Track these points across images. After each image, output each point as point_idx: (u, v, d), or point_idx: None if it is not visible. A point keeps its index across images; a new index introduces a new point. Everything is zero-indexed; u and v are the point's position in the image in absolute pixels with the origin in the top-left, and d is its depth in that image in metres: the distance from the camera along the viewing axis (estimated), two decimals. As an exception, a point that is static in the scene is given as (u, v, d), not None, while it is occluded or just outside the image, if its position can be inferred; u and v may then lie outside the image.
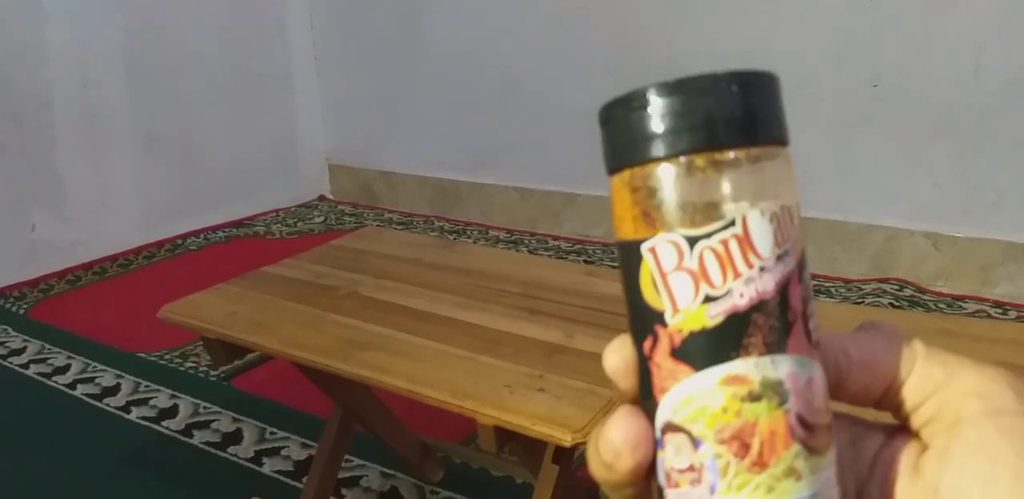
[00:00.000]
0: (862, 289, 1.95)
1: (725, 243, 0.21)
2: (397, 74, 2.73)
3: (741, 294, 0.21)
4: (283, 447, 1.47)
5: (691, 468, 0.22)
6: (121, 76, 2.45)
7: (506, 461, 1.33)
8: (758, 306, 0.21)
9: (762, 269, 0.21)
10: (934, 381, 0.23)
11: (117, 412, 1.63)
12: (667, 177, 0.22)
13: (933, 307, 1.84)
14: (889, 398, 0.24)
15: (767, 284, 0.21)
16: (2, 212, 2.26)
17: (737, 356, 0.21)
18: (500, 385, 0.83)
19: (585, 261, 2.29)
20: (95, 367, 1.81)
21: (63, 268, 2.38)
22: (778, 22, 1.93)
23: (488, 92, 2.55)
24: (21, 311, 2.14)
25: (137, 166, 2.54)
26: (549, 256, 2.34)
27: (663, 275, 0.22)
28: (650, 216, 0.22)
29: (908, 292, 1.91)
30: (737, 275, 0.21)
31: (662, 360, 0.22)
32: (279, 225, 2.77)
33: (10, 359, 1.87)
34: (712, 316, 0.21)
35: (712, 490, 0.22)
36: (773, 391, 0.21)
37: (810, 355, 0.22)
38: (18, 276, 2.29)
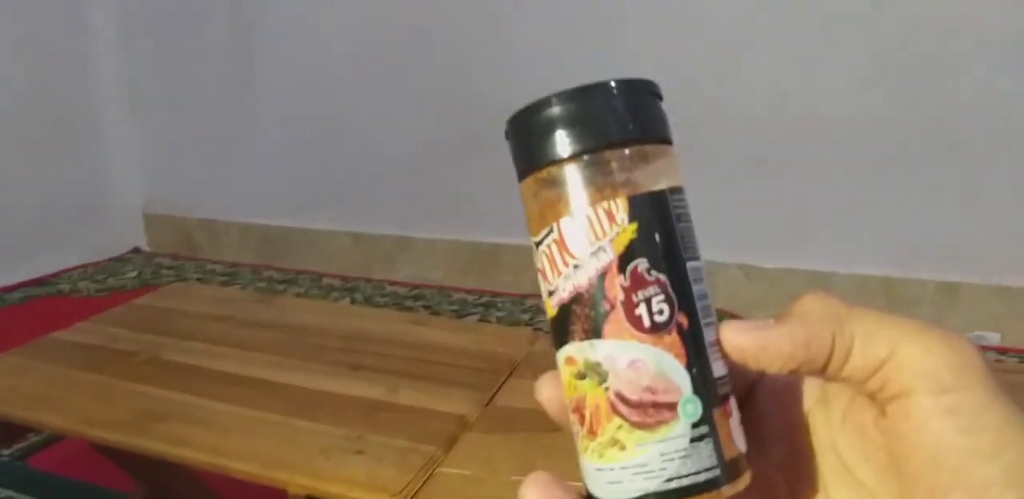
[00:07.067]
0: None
1: (550, 246, 0.25)
2: (219, 116, 2.60)
3: (564, 289, 0.25)
4: (87, 533, 1.31)
5: (574, 430, 0.26)
6: None
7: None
8: (576, 298, 0.25)
9: (576, 266, 0.25)
10: (876, 358, 0.23)
11: None
12: (524, 192, 0.27)
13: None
14: (832, 376, 0.24)
15: (580, 279, 0.25)
16: None
17: (569, 340, 0.25)
18: (315, 451, 0.78)
19: (423, 306, 2.25)
20: None
21: None
22: (601, 66, 2.02)
23: (316, 134, 2.48)
24: None
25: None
26: (386, 302, 2.29)
27: (537, 271, 0.27)
28: (530, 222, 0.27)
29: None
30: (558, 273, 0.25)
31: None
32: (87, 282, 2.54)
33: None
34: (553, 307, 0.26)
35: (578, 449, 0.26)
36: (593, 371, 0.24)
37: (638, 339, 0.24)
38: None
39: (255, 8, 2.45)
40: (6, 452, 1.59)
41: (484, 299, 2.26)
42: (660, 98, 0.27)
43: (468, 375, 0.94)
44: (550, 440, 0.78)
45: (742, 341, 0.25)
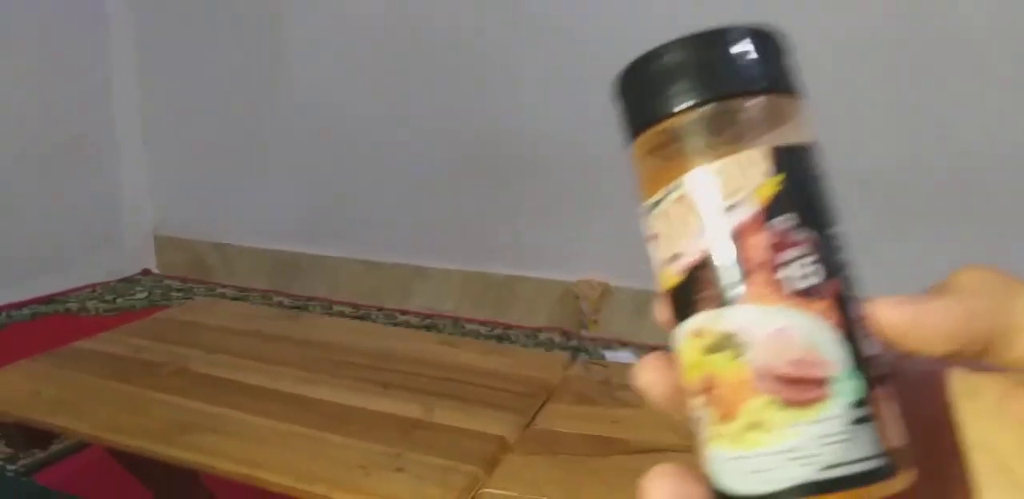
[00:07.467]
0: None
1: (673, 205, 0.22)
2: (234, 141, 2.61)
3: (691, 251, 0.22)
4: (88, 555, 1.26)
5: (695, 417, 0.22)
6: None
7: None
8: (706, 261, 0.22)
9: (707, 225, 0.22)
10: None
11: None
12: (637, 152, 0.24)
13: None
14: (996, 359, 0.21)
15: (713, 239, 0.22)
16: None
17: (696, 310, 0.22)
18: (354, 466, 0.75)
19: (434, 336, 2.22)
20: None
21: None
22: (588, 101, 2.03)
23: (330, 160, 2.48)
24: None
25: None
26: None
27: (648, 239, 0.23)
28: (643, 186, 0.24)
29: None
30: (684, 234, 0.22)
31: (665, 315, 0.23)
32: (95, 301, 2.51)
33: None
34: (675, 274, 0.22)
35: (703, 438, 0.22)
36: (730, 343, 0.21)
37: (785, 304, 0.21)
38: None
39: (269, 34, 2.48)
40: (11, 467, 1.54)
41: (497, 331, 2.23)
42: (790, 52, 0.24)
43: (504, 397, 0.91)
44: (596, 464, 0.76)
45: (896, 316, 0.21)
